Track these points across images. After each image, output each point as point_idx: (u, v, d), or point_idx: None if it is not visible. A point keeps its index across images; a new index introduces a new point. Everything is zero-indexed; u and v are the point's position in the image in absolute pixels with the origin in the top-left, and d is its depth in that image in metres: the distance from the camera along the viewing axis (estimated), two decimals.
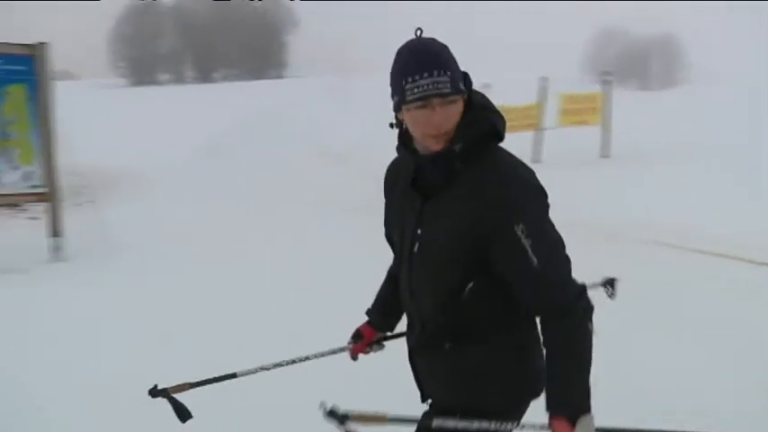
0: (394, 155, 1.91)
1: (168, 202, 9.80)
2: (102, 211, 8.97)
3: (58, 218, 6.66)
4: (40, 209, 9.36)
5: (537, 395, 1.81)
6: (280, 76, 56.11)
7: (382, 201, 1.98)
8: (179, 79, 60.80)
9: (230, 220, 8.56)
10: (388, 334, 2.24)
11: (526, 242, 1.62)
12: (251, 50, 61.43)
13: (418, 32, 1.70)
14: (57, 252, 6.62)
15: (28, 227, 8.39)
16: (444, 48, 1.67)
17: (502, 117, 1.74)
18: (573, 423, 1.62)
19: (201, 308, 5.17)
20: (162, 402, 1.97)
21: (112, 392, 3.69)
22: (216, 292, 5.56)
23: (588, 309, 1.69)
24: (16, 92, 6.42)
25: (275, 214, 8.87)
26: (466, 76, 1.69)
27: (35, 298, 5.57)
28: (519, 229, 1.61)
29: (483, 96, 1.74)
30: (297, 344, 2.54)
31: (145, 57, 63.72)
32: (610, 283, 2.76)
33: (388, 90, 1.70)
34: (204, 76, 60.63)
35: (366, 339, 2.20)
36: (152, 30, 65.42)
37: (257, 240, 7.43)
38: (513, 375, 1.83)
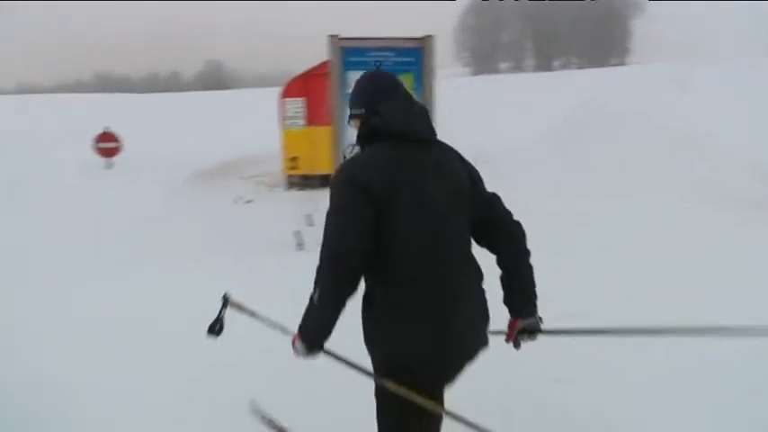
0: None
1: (517, 187, 9.99)
2: None
3: None
4: None
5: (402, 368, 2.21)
6: (621, 63, 53.78)
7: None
8: (518, 67, 61.92)
9: (582, 207, 8.42)
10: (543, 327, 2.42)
11: (328, 209, 2.21)
12: (593, 38, 59.96)
13: (377, 64, 3.04)
14: None
15: None
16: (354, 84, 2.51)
17: (390, 118, 2.28)
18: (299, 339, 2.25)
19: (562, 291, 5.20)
20: None
21: None
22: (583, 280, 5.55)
23: (324, 274, 2.14)
24: (404, 81, 7.08)
25: (633, 204, 8.48)
26: (366, 100, 2.41)
27: None
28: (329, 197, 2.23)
29: (394, 108, 2.32)
30: None
31: (487, 46, 66.09)
32: None
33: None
34: (544, 64, 60.84)
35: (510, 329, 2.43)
36: (495, 20, 67.54)
37: (619, 230, 7.20)
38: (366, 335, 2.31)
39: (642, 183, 9.75)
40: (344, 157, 2.58)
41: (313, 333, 2.21)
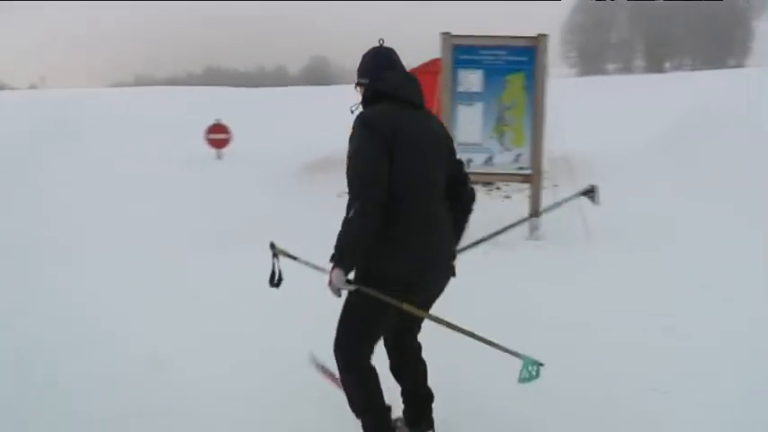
0: None
1: (627, 191, 9.66)
2: (567, 195, 9.27)
3: (537, 199, 7.09)
4: (510, 188, 10.16)
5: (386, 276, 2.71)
6: (740, 65, 50.83)
7: None
8: (627, 69, 59.77)
9: (671, 208, 8.13)
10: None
11: (350, 150, 2.69)
12: (709, 38, 56.96)
13: (381, 42, 3.05)
14: (534, 231, 7.07)
15: (503, 205, 9.16)
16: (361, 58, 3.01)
17: (392, 83, 2.86)
18: (334, 268, 2.59)
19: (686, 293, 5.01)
20: None
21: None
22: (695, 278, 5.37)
23: (358, 197, 2.57)
24: (515, 80, 7.00)
25: (723, 206, 8.06)
26: (371, 71, 2.93)
27: (519, 271, 6.04)
28: (349, 144, 2.70)
29: (394, 76, 2.90)
30: None
31: (594, 47, 64.16)
32: (589, 192, 3.89)
33: None
34: (654, 65, 58.42)
35: None
36: (605, 19, 65.43)
37: (732, 234, 6.89)
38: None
39: (744, 186, 9.28)
40: (351, 112, 2.93)
41: (354, 252, 2.60)
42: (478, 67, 7.02)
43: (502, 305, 5.08)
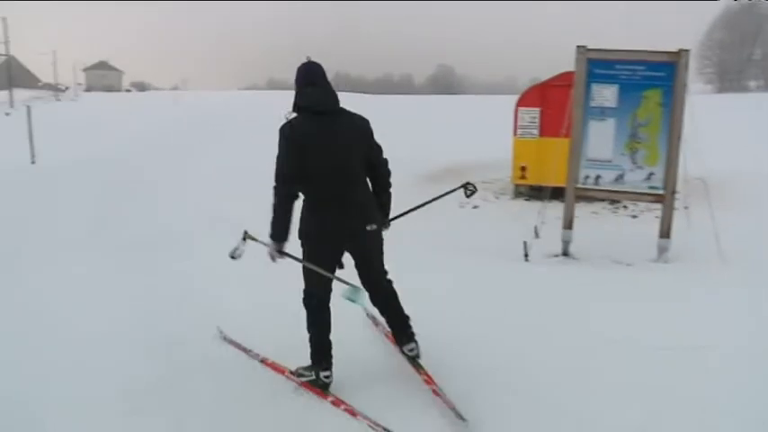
0: None
1: (749, 210, 9.15)
2: (700, 218, 8.88)
3: (669, 220, 6.85)
4: (637, 208, 9.84)
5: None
6: None
7: None
8: None
9: None
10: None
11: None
12: None
13: (308, 58, 3.86)
14: (663, 253, 6.83)
15: (630, 224, 8.90)
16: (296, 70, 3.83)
17: (308, 98, 3.71)
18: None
19: None
20: None
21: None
22: None
23: (276, 189, 3.67)
24: (652, 96, 6.78)
25: None
26: (298, 86, 3.79)
27: (639, 291, 5.86)
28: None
29: (311, 91, 3.72)
30: None
31: (735, 62, 60.60)
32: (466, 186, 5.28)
33: None
34: None
35: None
36: (747, 34, 61.64)
37: None
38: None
39: None
40: (286, 118, 3.74)
41: (278, 229, 3.70)
42: (614, 82, 6.86)
43: (600, 323, 5.01)
